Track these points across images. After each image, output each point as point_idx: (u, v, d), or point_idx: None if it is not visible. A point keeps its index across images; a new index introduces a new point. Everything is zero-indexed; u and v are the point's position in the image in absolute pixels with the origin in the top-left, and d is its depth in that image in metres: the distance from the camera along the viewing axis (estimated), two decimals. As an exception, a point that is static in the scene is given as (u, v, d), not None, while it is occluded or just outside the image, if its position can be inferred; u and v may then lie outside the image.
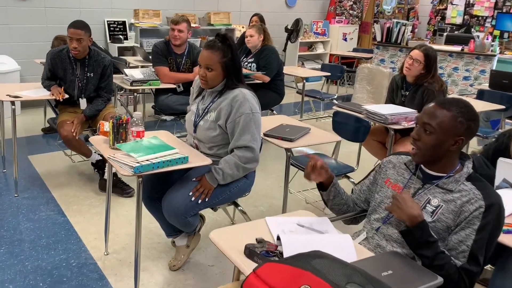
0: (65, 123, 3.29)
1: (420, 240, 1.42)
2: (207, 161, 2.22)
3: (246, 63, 4.59)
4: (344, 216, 1.84)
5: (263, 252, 1.42)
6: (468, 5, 7.44)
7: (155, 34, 6.35)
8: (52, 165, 3.98)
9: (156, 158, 2.08)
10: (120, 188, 3.42)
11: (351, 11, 8.66)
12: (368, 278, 1.13)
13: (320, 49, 8.31)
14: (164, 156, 2.11)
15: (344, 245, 1.48)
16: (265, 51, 4.49)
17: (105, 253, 2.69)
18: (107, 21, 6.07)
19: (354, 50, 8.00)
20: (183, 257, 2.60)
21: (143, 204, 2.44)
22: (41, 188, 3.50)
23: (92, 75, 3.42)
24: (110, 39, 6.06)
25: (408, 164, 1.68)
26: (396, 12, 8.33)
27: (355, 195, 1.86)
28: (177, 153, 2.16)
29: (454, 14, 7.69)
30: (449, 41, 6.89)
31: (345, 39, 8.41)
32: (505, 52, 6.68)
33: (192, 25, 6.53)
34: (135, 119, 2.30)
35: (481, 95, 4.45)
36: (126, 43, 6.09)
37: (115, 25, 6.15)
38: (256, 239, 1.50)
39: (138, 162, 2.03)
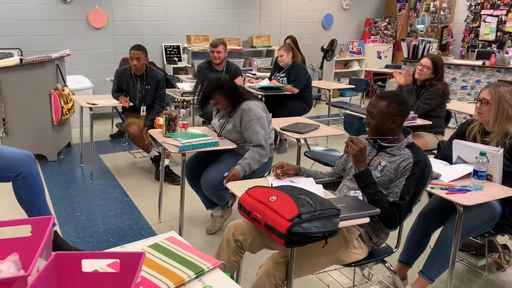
0: (132, 123, 4.17)
1: (366, 182, 2.06)
2: (232, 145, 2.95)
3: (279, 77, 5.34)
4: (324, 180, 2.48)
5: (259, 192, 2.11)
6: (500, 23, 7.81)
7: (205, 56, 7.23)
8: (118, 161, 4.89)
9: (195, 141, 2.85)
10: (171, 177, 4.23)
11: (385, 31, 9.24)
12: (317, 197, 1.80)
13: (355, 67, 8.93)
14: (201, 140, 2.88)
15: (317, 190, 2.14)
16: (295, 67, 5.23)
17: (158, 221, 3.48)
18: (164, 45, 7.09)
19: (386, 66, 8.54)
20: (217, 225, 3.33)
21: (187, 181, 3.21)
22: (110, 178, 4.39)
23: (149, 87, 4.30)
24: (166, 61, 7.06)
25: (369, 141, 2.32)
26: (429, 30, 8.80)
27: (336, 167, 2.51)
28: (211, 139, 2.93)
29: (487, 31, 8.07)
30: (480, 56, 7.24)
31: (380, 57, 8.98)
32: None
33: (236, 47, 7.44)
34: (181, 115, 3.10)
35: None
36: (180, 64, 7.07)
37: (171, 49, 7.15)
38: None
39: (182, 143, 2.81)
